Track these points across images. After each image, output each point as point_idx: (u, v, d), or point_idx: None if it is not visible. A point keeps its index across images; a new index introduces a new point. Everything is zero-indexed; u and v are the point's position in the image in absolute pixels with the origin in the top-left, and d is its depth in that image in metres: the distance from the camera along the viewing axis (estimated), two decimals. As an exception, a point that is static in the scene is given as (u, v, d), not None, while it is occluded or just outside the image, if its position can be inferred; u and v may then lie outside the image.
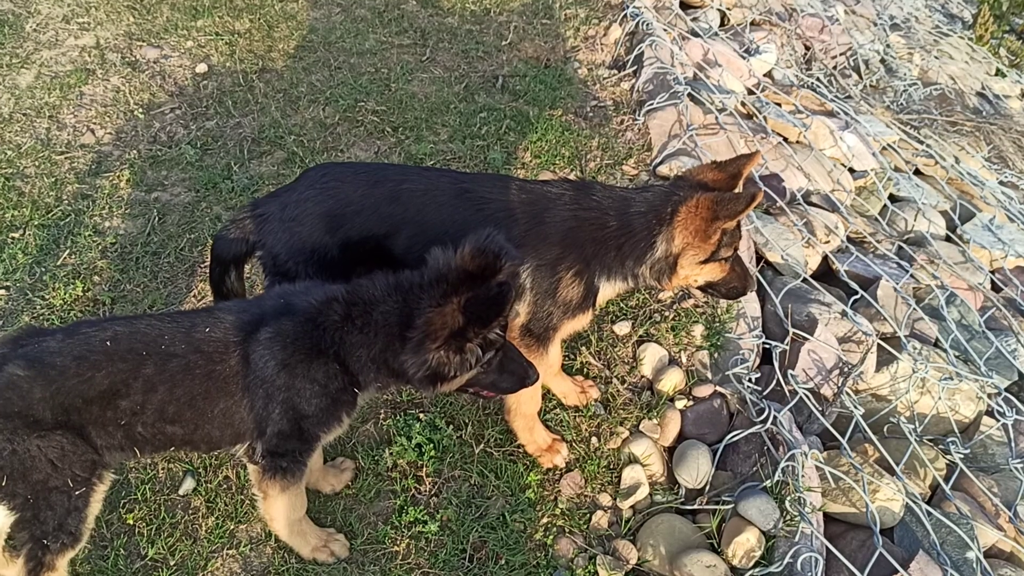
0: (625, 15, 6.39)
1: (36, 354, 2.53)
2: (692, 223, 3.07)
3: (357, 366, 2.72)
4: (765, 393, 3.86)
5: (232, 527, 3.37)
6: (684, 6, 7.06)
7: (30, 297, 4.22)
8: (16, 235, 4.57)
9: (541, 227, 3.18)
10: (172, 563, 3.23)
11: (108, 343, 2.57)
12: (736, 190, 3.18)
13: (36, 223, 4.64)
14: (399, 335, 2.61)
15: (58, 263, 4.41)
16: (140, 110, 5.56)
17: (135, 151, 5.23)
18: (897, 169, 6.00)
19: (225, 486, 3.50)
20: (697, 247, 3.12)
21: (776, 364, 3.92)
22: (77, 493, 2.61)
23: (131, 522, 3.35)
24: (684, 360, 4.01)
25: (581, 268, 3.19)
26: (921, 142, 6.46)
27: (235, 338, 2.68)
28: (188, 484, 3.49)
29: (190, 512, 3.42)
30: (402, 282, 2.66)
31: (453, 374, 2.65)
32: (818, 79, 6.86)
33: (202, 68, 5.97)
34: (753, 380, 3.86)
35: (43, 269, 4.37)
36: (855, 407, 3.74)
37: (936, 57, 8.44)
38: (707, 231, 3.06)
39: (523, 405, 3.58)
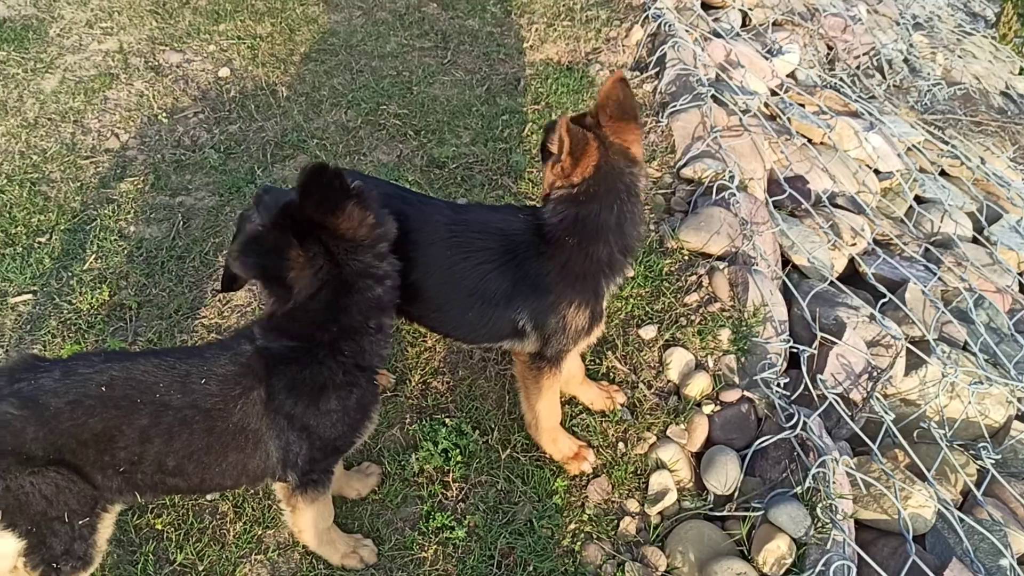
0: (647, 16, 6.36)
1: (31, 393, 2.49)
2: (638, 139, 3.06)
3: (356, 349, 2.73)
4: (793, 398, 3.83)
5: (260, 532, 3.37)
6: (706, 7, 7.03)
7: (57, 302, 4.24)
8: (43, 239, 4.60)
9: (527, 277, 3.14)
10: (200, 568, 3.24)
11: (103, 388, 2.53)
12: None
13: (62, 227, 4.67)
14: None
15: (84, 267, 4.43)
16: (164, 114, 5.58)
17: (159, 155, 5.25)
18: (922, 170, 5.95)
19: (252, 491, 3.50)
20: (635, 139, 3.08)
21: (804, 368, 3.89)
22: (80, 523, 2.59)
23: (159, 527, 3.35)
24: (711, 364, 3.98)
25: (581, 299, 3.14)
26: (946, 142, 6.40)
27: (236, 389, 2.66)
28: (216, 489, 3.50)
29: (218, 517, 3.42)
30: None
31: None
32: (841, 79, 6.82)
33: (224, 72, 5.99)
34: (781, 385, 3.83)
35: (70, 274, 4.39)
36: (885, 412, 3.70)
37: (959, 56, 8.37)
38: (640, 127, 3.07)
39: (543, 420, 3.56)
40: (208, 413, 2.61)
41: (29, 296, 4.29)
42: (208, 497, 3.46)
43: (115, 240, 4.60)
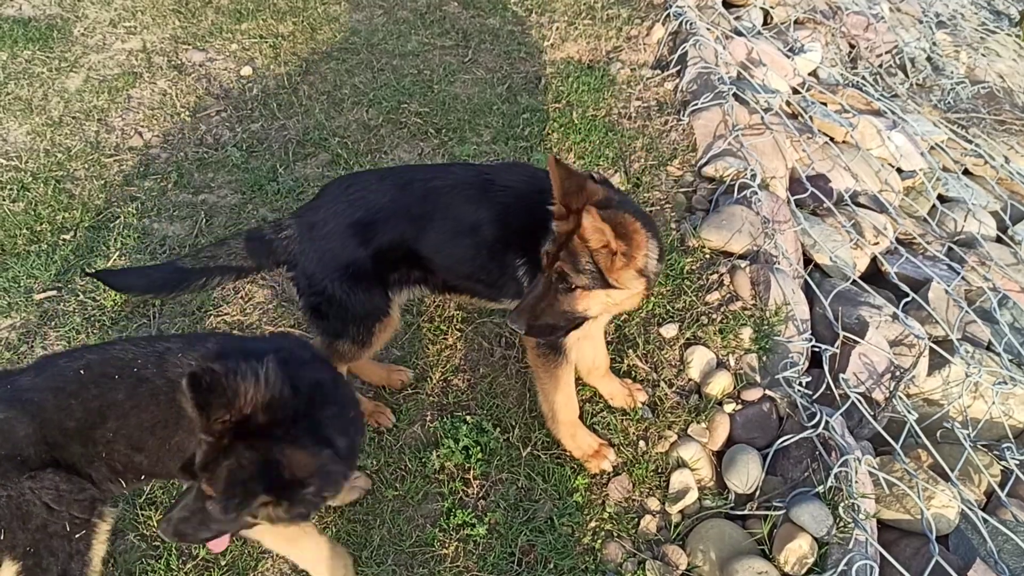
0: (668, 14, 6.35)
1: (11, 395, 2.49)
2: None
3: None
4: (815, 397, 3.81)
5: (282, 528, 3.39)
6: (727, 5, 7.00)
7: (81, 298, 4.28)
8: (67, 237, 4.64)
9: (532, 226, 3.14)
10: (223, 563, 3.26)
11: (81, 372, 2.53)
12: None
13: (86, 225, 4.71)
14: None
15: (108, 264, 4.46)
16: (187, 113, 5.62)
17: (182, 153, 5.29)
18: (946, 169, 5.91)
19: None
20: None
21: (826, 368, 3.87)
22: (77, 536, 2.55)
23: (182, 522, 3.37)
24: (732, 363, 3.97)
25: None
26: (970, 141, 6.36)
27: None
28: (238, 485, 3.51)
29: (240, 513, 3.44)
30: None
31: None
32: (864, 78, 6.78)
33: (247, 71, 6.02)
34: (803, 384, 3.82)
35: (94, 271, 4.42)
36: (908, 412, 3.68)
37: (983, 55, 8.29)
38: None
39: (559, 412, 3.58)
40: (174, 385, 2.57)
41: (54, 292, 4.33)
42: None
43: (138, 237, 4.63)
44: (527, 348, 3.50)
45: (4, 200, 4.87)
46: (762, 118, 5.36)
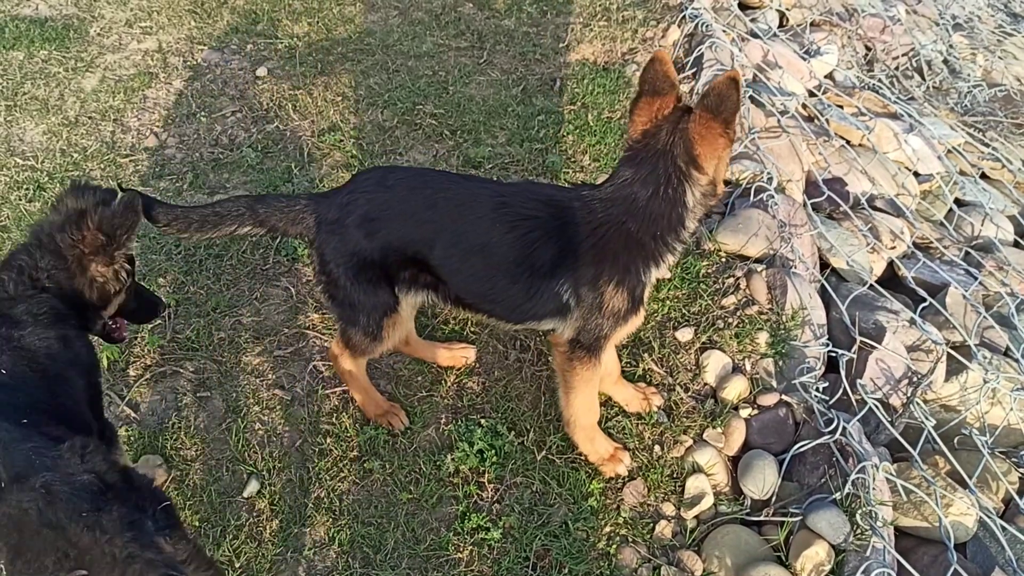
0: (684, 16, 6.32)
1: None
2: (713, 145, 2.87)
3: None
4: (832, 402, 3.79)
5: (296, 530, 3.39)
6: (743, 7, 6.97)
7: (97, 299, 4.28)
8: (83, 237, 4.64)
9: (571, 247, 3.12)
10: (237, 565, 3.26)
11: None
12: (675, 90, 2.98)
13: (102, 225, 4.70)
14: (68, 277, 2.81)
15: (125, 265, 4.47)
16: (202, 113, 5.63)
17: (197, 154, 5.30)
18: (963, 172, 5.87)
19: (289, 489, 3.53)
20: (725, 156, 2.98)
21: (843, 373, 3.84)
22: None
23: (196, 524, 3.38)
24: (748, 368, 3.95)
25: (620, 276, 3.11)
26: (987, 145, 6.32)
27: None
28: (252, 487, 3.52)
29: (254, 514, 3.44)
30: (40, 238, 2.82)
31: (112, 290, 2.92)
32: (880, 80, 6.74)
33: (262, 72, 6.02)
34: (820, 389, 3.80)
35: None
36: (926, 418, 3.65)
37: (1000, 58, 8.24)
38: (729, 137, 2.89)
39: (580, 417, 3.56)
40: None
41: (70, 293, 4.33)
42: (245, 494, 3.50)
43: (154, 238, 4.64)
44: (555, 352, 3.46)
45: (20, 200, 4.88)
46: (778, 121, 5.34)
